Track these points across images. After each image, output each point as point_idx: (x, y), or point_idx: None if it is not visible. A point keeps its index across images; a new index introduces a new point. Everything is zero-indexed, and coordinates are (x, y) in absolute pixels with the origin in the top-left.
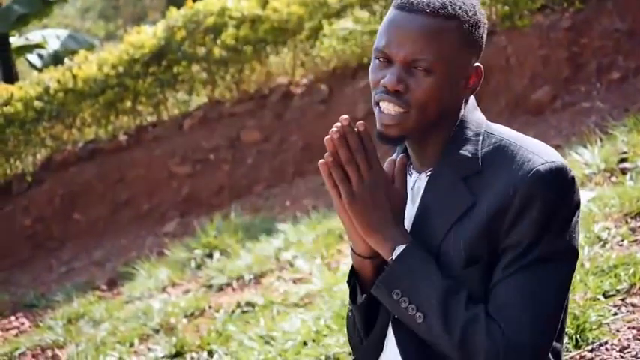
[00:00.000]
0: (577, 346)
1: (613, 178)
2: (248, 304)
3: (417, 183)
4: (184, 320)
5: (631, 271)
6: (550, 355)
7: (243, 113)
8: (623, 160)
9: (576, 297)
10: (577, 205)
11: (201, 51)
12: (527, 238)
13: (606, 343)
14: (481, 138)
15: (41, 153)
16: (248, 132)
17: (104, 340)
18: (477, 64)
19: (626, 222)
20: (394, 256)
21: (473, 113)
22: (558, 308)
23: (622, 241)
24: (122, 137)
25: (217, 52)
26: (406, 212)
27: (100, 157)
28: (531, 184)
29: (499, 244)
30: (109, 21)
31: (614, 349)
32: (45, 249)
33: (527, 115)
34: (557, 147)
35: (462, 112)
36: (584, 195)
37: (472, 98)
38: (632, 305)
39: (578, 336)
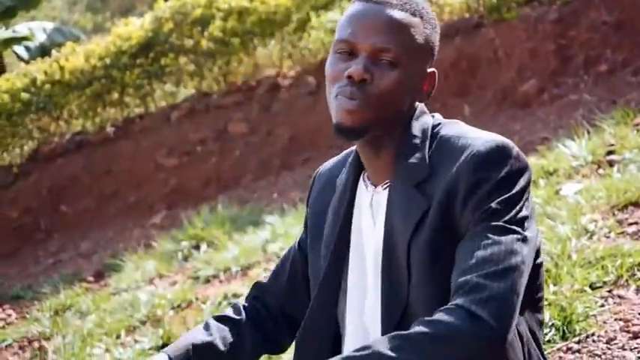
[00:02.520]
0: (564, 338)
1: (600, 171)
2: (235, 296)
3: (374, 197)
4: (171, 312)
5: (618, 263)
6: (531, 325)
7: (231, 105)
8: (610, 153)
9: (563, 289)
10: (522, 174)
11: (189, 43)
12: (479, 213)
13: (593, 334)
14: (427, 142)
15: (28, 145)
16: (235, 124)
17: (91, 332)
18: (431, 69)
19: (614, 214)
20: None
21: (420, 118)
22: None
23: (609, 233)
24: (109, 129)
25: (205, 44)
26: (366, 229)
27: (87, 149)
28: (473, 165)
29: (458, 230)
30: (97, 13)
31: (601, 340)
32: (32, 241)
33: (515, 109)
34: (544, 139)
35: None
36: (572, 187)
37: (421, 104)
38: (619, 297)
39: (565, 328)
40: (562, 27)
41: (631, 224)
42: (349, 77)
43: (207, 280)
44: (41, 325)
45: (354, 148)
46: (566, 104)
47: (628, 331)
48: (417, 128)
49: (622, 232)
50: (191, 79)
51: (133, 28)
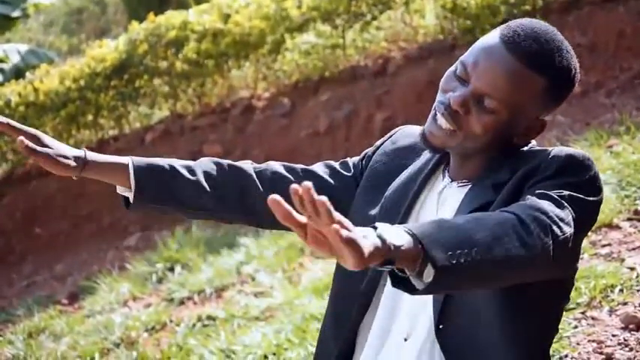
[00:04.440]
0: None
1: None
2: (209, 317)
3: (445, 189)
4: (145, 334)
5: (591, 284)
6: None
7: (205, 127)
8: None
9: None
10: (598, 192)
11: (163, 64)
12: (551, 185)
13: (566, 356)
14: (515, 157)
15: (2, 167)
16: (210, 146)
17: (65, 355)
18: (543, 117)
19: (587, 235)
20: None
21: (514, 146)
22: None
23: (583, 254)
24: None
25: (179, 65)
26: (426, 214)
27: None
28: (557, 160)
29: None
30: (72, 35)
31: None
32: (6, 263)
33: None
34: None
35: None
36: None
37: None
38: (593, 319)
39: None
40: None
41: (604, 246)
42: (448, 100)
43: (182, 302)
44: (15, 348)
45: None
46: None
47: (601, 353)
48: (508, 151)
49: (595, 254)
50: (165, 101)
51: (107, 50)
